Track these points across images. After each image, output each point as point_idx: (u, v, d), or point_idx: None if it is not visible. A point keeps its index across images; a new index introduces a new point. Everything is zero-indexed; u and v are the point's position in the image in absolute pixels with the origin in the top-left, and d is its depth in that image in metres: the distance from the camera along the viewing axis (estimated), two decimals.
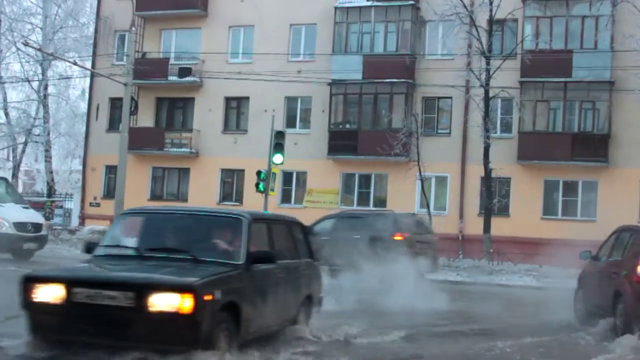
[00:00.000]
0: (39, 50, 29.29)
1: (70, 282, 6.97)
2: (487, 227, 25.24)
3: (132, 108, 27.20)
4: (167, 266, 7.44)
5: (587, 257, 12.53)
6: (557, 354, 9.60)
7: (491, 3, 25.14)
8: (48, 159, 35.30)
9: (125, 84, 26.96)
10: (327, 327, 9.52)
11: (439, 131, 29.08)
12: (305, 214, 28.44)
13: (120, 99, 27.00)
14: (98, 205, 32.63)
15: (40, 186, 45.04)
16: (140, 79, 30.54)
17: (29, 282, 7.06)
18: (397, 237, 17.50)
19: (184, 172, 32.30)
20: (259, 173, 24.62)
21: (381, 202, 29.40)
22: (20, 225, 18.48)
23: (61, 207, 33.94)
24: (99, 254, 8.02)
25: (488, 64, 25.10)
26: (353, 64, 28.78)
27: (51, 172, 35.34)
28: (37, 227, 19.11)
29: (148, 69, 30.28)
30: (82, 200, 33.44)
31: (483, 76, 25.18)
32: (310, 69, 29.10)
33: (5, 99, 35.07)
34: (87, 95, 35.13)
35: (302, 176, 30.49)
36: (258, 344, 7.97)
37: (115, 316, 6.75)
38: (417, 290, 13.27)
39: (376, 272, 14.22)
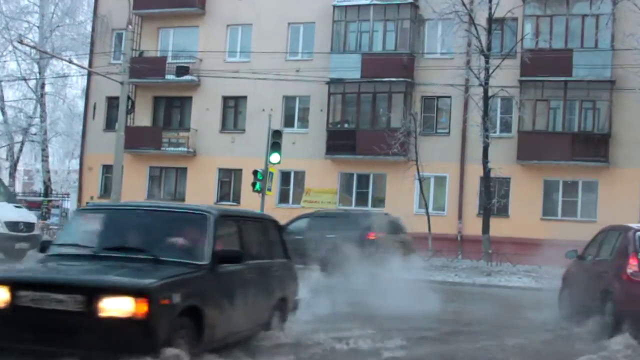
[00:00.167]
0: (34, 48, 29.08)
1: (15, 284, 6.41)
2: (486, 228, 25.00)
3: (129, 107, 27.04)
4: (123, 267, 6.87)
5: (573, 256, 12.61)
6: (550, 354, 9.52)
7: (490, 1, 24.93)
8: (45, 158, 35.12)
9: (121, 83, 26.71)
10: (303, 332, 9.04)
11: (438, 131, 28.85)
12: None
13: (117, 98, 26.75)
14: None
15: (39, 186, 44.81)
16: (138, 77, 30.40)
17: None
18: (371, 237, 17.58)
19: (182, 172, 32.08)
20: (255, 172, 24.43)
21: (380, 202, 29.20)
22: (12, 225, 18.27)
23: (58, 206, 33.71)
24: (52, 254, 7.47)
25: (487, 62, 24.86)
26: (351, 62, 28.55)
27: (48, 172, 35.18)
28: (29, 226, 18.89)
29: (145, 68, 30.13)
30: (79, 200, 33.15)
31: (482, 75, 24.94)
32: (309, 68, 28.87)
33: (2, 98, 34.90)
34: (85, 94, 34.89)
35: (300, 176, 30.28)
36: (226, 352, 7.50)
37: (62, 322, 6.20)
38: (397, 291, 12.87)
39: (350, 271, 14.14)
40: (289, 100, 30.55)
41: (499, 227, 25.63)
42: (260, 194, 24.52)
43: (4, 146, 37.79)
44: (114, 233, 7.69)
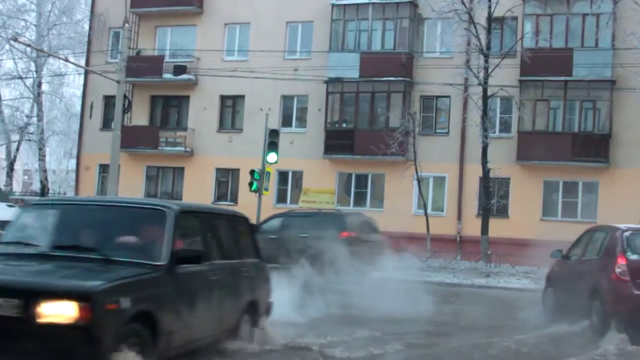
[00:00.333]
0: (29, 46, 28.86)
1: None
2: (485, 229, 24.78)
3: (125, 106, 26.82)
4: (70, 268, 6.28)
5: (558, 256, 12.69)
6: (540, 354, 9.40)
7: (490, 0, 24.68)
8: (42, 157, 34.90)
9: (118, 82, 26.53)
10: (275, 337, 8.50)
11: (437, 131, 28.63)
12: None
13: (114, 97, 26.56)
14: None
15: (39, 185, 44.57)
16: (135, 76, 30.24)
17: None
18: (344, 236, 17.55)
19: (179, 172, 31.86)
20: (252, 172, 24.28)
21: (378, 202, 28.98)
22: (2, 224, 18.01)
23: None
24: None
25: (486, 61, 24.62)
26: (350, 61, 28.33)
27: (45, 171, 34.97)
28: None
29: (142, 67, 29.90)
30: None
31: (481, 74, 24.71)
32: (307, 67, 28.65)
33: None
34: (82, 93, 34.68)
35: (297, 176, 30.06)
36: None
37: None
38: (373, 291, 12.63)
39: (323, 271, 14.08)
40: (286, 99, 30.33)
41: (498, 228, 25.41)
42: (257, 194, 24.34)
43: (1, 145, 37.59)
44: (64, 230, 7.13)
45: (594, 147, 26.12)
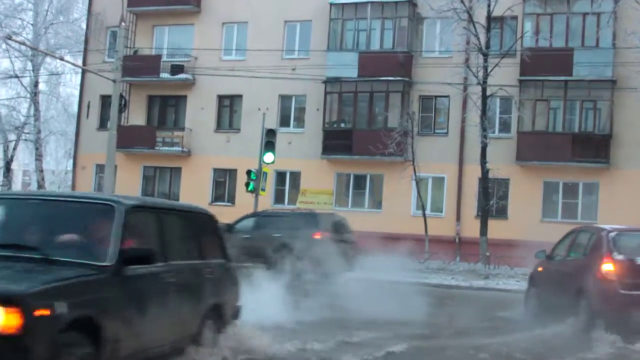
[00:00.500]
0: (23, 44, 28.63)
1: None
2: (483, 230, 24.54)
3: (121, 105, 26.62)
4: (3, 268, 5.66)
5: (542, 256, 12.85)
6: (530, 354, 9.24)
7: None
8: (39, 157, 34.65)
9: (114, 81, 26.30)
10: (244, 345, 7.81)
11: (436, 131, 28.39)
12: None
13: (111, 97, 26.38)
14: None
15: (36, 185, 44.34)
16: (132, 76, 30.14)
17: None
18: (317, 236, 17.59)
19: (176, 172, 31.62)
20: (249, 172, 24.09)
21: (377, 203, 28.75)
22: None
23: None
24: None
25: (486, 61, 24.37)
26: (348, 61, 28.09)
27: (41, 171, 34.71)
28: None
29: (140, 66, 29.74)
30: None
31: (481, 74, 24.46)
32: (305, 67, 28.42)
33: None
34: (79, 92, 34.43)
35: (295, 176, 29.81)
36: None
37: None
38: (350, 292, 12.14)
39: (296, 271, 13.98)
40: (284, 99, 30.10)
41: (497, 229, 25.15)
42: (254, 194, 24.12)
43: None
44: (3, 227, 6.58)
45: (595, 147, 25.86)
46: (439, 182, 28.08)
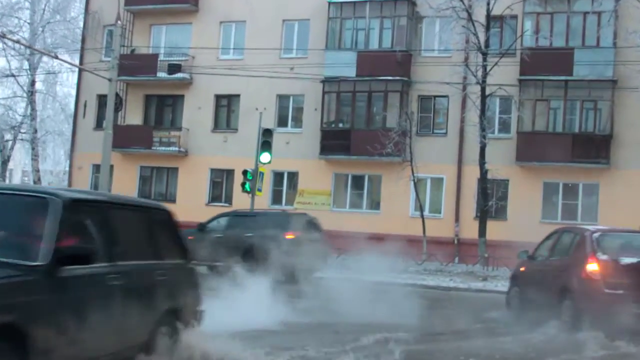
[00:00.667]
0: (17, 42, 28.39)
1: None
2: (482, 231, 24.26)
3: (117, 104, 26.38)
4: None
5: (525, 256, 13.08)
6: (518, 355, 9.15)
7: None
8: (35, 157, 34.41)
9: (109, 80, 26.06)
10: (207, 353, 7.15)
11: (435, 131, 28.12)
12: None
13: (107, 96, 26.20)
14: None
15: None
16: (129, 75, 29.87)
17: None
18: (289, 236, 17.72)
19: (173, 172, 31.36)
20: (245, 172, 23.86)
21: (375, 204, 28.50)
22: None
23: None
24: None
25: (485, 60, 24.09)
26: (347, 60, 27.82)
27: (38, 171, 34.47)
28: None
29: (137, 65, 29.46)
30: None
31: (480, 73, 24.18)
32: (303, 67, 28.16)
33: None
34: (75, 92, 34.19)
35: (293, 176, 29.55)
36: None
37: None
38: (324, 293, 11.68)
39: (267, 270, 13.52)
40: (282, 99, 29.85)
41: (496, 231, 24.86)
42: (250, 195, 23.87)
43: None
44: None
45: (595, 148, 25.58)
46: (437, 182, 27.81)
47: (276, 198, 29.59)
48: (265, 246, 16.66)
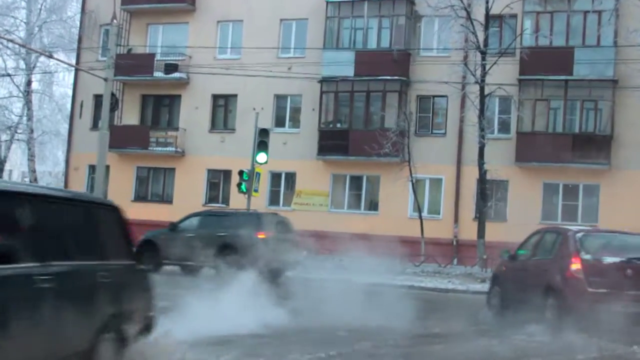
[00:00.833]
0: (11, 41, 28.17)
1: None
2: (481, 232, 23.97)
3: (112, 104, 26.15)
4: None
5: (507, 256, 13.29)
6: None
7: None
8: (31, 157, 34.15)
9: (105, 79, 25.81)
10: None
11: (434, 131, 27.85)
12: (294, 217, 27.55)
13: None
14: None
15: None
16: (125, 75, 29.71)
17: None
18: (260, 236, 17.84)
19: (169, 172, 31.09)
20: (241, 173, 23.59)
21: (373, 204, 28.24)
22: None
23: None
24: None
25: (483, 59, 23.81)
26: (345, 59, 27.54)
27: (34, 172, 34.20)
28: None
29: (133, 65, 29.29)
30: None
31: (478, 72, 23.90)
32: (301, 66, 27.92)
33: None
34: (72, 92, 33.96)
35: (291, 177, 29.29)
36: None
37: None
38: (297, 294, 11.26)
39: (238, 270, 13.54)
40: (280, 99, 29.59)
41: (495, 232, 24.49)
42: (247, 195, 23.62)
43: None
44: None
45: (595, 148, 25.27)
46: (436, 183, 27.55)
47: (274, 199, 29.33)
48: (236, 245, 17.04)
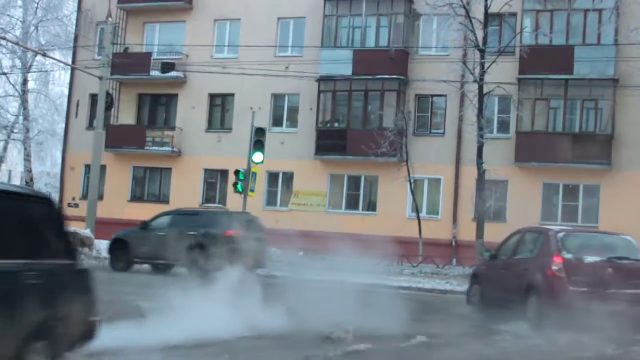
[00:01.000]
0: (4, 39, 27.95)
1: None
2: (480, 233, 23.67)
3: (108, 103, 25.94)
4: None
5: (487, 255, 13.96)
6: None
7: None
8: (27, 157, 33.91)
9: (100, 78, 25.67)
10: None
11: (433, 131, 27.59)
12: (291, 217, 27.35)
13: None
14: (77, 206, 31.07)
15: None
16: (122, 74, 29.47)
17: None
18: (230, 234, 17.94)
19: (166, 172, 30.83)
20: (237, 172, 23.35)
21: (372, 205, 27.96)
22: None
23: None
24: None
25: (482, 57, 23.52)
26: (343, 58, 27.29)
27: (30, 171, 33.98)
28: None
29: (130, 64, 29.05)
30: (60, 201, 31.95)
31: (477, 71, 23.62)
32: (298, 66, 27.64)
33: None
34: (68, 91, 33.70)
35: (288, 177, 29.03)
36: None
37: None
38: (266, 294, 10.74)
39: (206, 269, 13.91)
40: (277, 98, 29.32)
41: (495, 233, 24.07)
42: (243, 195, 23.37)
43: None
44: None
45: (596, 148, 24.99)
46: (435, 184, 27.28)
47: (271, 199, 29.07)
48: (206, 244, 17.41)
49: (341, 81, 27.60)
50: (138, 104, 31.56)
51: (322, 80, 27.78)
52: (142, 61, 30.17)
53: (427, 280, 21.21)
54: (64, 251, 6.23)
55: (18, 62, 33.54)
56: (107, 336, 6.68)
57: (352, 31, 28.10)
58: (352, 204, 28.11)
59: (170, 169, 30.65)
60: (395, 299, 12.33)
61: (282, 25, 29.47)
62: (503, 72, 24.01)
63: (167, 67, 30.04)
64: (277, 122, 29.13)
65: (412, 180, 25.65)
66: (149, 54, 30.63)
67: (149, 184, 31.38)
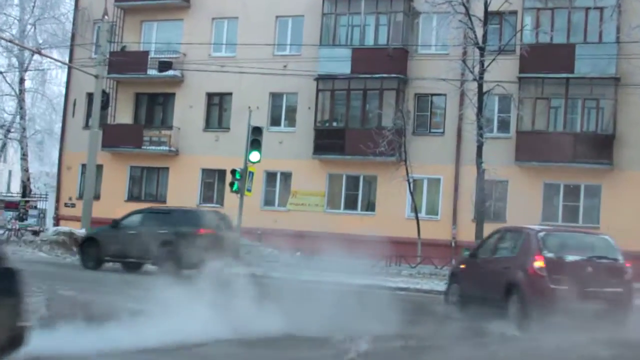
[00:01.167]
0: (0, 37, 27.73)
1: None
2: (479, 233, 23.32)
3: (103, 102, 25.72)
4: None
5: (467, 254, 13.88)
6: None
7: None
8: (24, 156, 33.70)
9: (96, 76, 25.49)
10: None
11: (432, 130, 27.32)
12: (289, 217, 27.12)
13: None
14: (73, 205, 30.92)
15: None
16: (119, 73, 29.30)
17: None
18: (201, 233, 18.04)
19: (163, 172, 30.56)
20: (233, 172, 23.08)
21: (370, 205, 27.70)
22: None
23: (36, 207, 32.23)
24: None
25: (482, 55, 23.23)
26: (341, 57, 27.01)
27: (27, 171, 33.77)
28: None
29: (127, 63, 28.84)
30: (57, 201, 31.76)
31: (477, 69, 23.34)
32: (297, 64, 27.39)
33: None
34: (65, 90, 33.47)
35: (286, 177, 28.76)
36: None
37: None
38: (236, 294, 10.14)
39: (178, 267, 14.17)
40: (275, 97, 29.06)
41: None
42: (239, 195, 23.10)
43: None
44: None
45: (597, 148, 24.67)
46: (434, 183, 27.00)
47: (269, 199, 28.80)
48: (176, 242, 17.53)
49: (339, 80, 27.34)
50: (135, 103, 31.31)
51: (320, 78, 27.52)
52: (139, 59, 29.94)
53: (425, 280, 20.95)
54: None
55: (15, 61, 33.39)
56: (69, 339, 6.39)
57: (351, 29, 27.83)
58: (351, 204, 27.85)
59: (167, 169, 30.39)
60: (390, 300, 12.00)
61: (280, 24, 29.21)
62: (503, 71, 23.73)
63: (164, 65, 29.83)
64: (275, 121, 28.87)
65: (411, 180, 25.37)
66: (146, 53, 30.39)
67: (145, 184, 31.13)
